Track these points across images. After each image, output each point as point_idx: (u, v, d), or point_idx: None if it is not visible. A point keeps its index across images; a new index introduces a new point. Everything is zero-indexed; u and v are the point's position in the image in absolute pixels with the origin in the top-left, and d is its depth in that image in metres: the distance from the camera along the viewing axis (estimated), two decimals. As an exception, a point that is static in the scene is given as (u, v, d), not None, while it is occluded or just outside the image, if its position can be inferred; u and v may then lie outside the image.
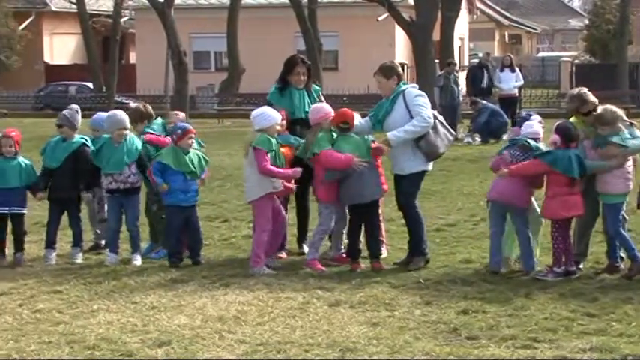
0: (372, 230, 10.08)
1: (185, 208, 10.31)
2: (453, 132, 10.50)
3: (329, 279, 9.53)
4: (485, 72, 26.36)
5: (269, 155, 9.88)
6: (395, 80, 10.09)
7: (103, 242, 11.08)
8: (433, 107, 10.56)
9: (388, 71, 10.13)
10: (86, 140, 10.75)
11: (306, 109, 10.54)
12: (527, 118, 10.10)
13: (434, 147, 10.00)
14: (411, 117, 9.90)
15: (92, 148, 10.61)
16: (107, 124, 10.59)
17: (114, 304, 8.70)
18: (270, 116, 10.02)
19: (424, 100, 10.03)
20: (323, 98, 10.87)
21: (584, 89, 10.05)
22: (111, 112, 10.81)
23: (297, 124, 10.52)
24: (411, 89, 10.10)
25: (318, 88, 10.96)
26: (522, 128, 9.94)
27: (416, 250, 10.11)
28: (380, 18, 41.43)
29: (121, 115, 10.57)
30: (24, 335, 7.72)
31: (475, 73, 26.31)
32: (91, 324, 8.04)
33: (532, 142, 9.72)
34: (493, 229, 9.83)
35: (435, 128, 10.01)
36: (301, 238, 10.95)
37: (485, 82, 26.18)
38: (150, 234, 11.04)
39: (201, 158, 10.46)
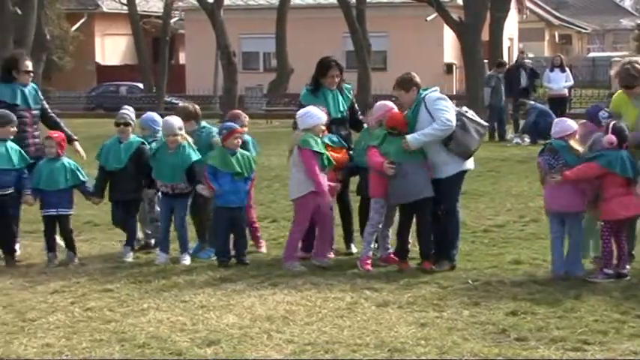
0: (422, 230, 10.05)
1: (233, 209, 10.37)
2: (485, 123, 10.39)
3: (377, 279, 9.53)
4: (523, 72, 26.16)
5: (317, 156, 9.93)
6: (414, 91, 10.05)
7: (153, 242, 11.18)
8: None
9: (407, 84, 10.10)
10: (144, 139, 10.86)
11: (341, 108, 10.69)
12: (597, 112, 9.92)
13: (464, 146, 9.94)
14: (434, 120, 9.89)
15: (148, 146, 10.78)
16: (162, 129, 10.69)
17: (163, 302, 8.77)
18: (316, 116, 10.06)
19: (445, 104, 9.96)
20: (352, 96, 10.92)
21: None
22: (165, 118, 10.85)
23: (332, 124, 10.58)
24: (431, 94, 10.02)
25: (348, 86, 11.00)
26: (553, 128, 9.82)
27: (445, 253, 10.03)
28: (429, 18, 41.32)
29: (171, 120, 10.61)
30: (75, 333, 7.80)
31: (513, 74, 26.07)
32: (141, 322, 8.11)
33: (557, 143, 9.61)
34: (554, 234, 9.74)
35: (463, 127, 9.92)
36: (348, 237, 10.97)
37: (524, 82, 25.98)
38: (197, 233, 11.10)
39: (250, 159, 10.48)
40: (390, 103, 10.30)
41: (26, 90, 11.06)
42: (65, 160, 10.64)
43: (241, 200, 10.41)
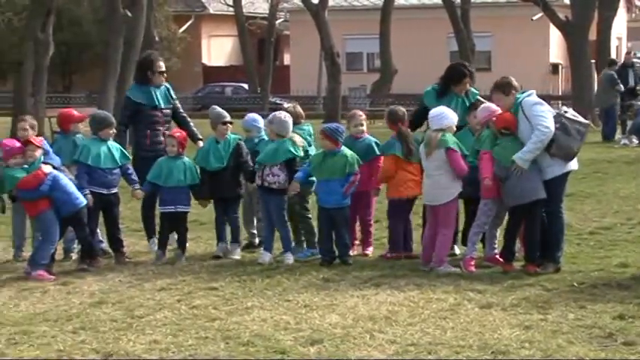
0: (529, 232, 9.94)
1: (330, 209, 10.43)
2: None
3: (480, 281, 9.47)
4: (630, 72, 25.62)
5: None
6: (513, 95, 9.94)
7: (257, 241, 11.30)
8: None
9: (506, 87, 9.99)
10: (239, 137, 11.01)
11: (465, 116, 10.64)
12: None
13: (567, 148, 9.80)
14: (532, 127, 9.74)
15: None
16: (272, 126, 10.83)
17: (267, 301, 8.85)
18: (450, 116, 10.07)
19: (541, 109, 9.81)
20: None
21: None
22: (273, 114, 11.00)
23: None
24: (527, 99, 9.88)
25: (475, 92, 10.88)
26: None
27: (550, 255, 9.91)
28: (534, 18, 40.82)
29: (279, 113, 10.76)
30: (181, 330, 7.94)
31: (620, 74, 25.53)
32: (245, 321, 8.21)
33: None
34: None
35: (563, 129, 9.77)
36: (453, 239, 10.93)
37: (632, 83, 25.44)
38: (294, 234, 11.13)
39: (352, 158, 10.49)
40: (494, 105, 10.21)
41: (159, 90, 11.32)
42: (185, 158, 10.83)
43: (337, 201, 10.43)
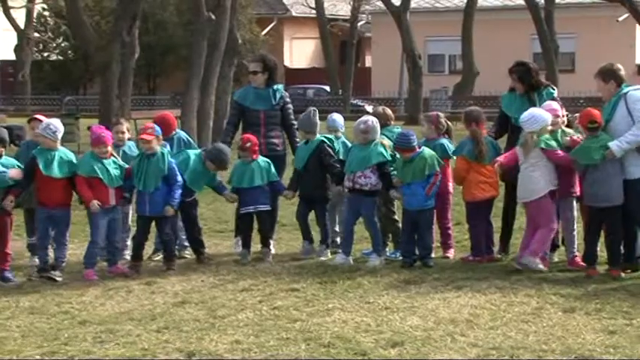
0: (611, 236, 9.82)
1: (411, 211, 10.43)
2: None
3: (563, 285, 9.37)
4: None
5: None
6: (613, 84, 9.81)
7: (339, 240, 11.35)
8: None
9: (606, 74, 9.89)
10: (325, 138, 11.03)
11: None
12: None
13: None
14: (634, 121, 9.61)
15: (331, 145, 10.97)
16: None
17: (348, 303, 8.87)
18: (540, 118, 10.03)
19: None
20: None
21: None
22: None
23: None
24: (633, 92, 9.76)
25: (552, 91, 10.77)
26: None
27: (635, 260, 9.84)
28: (620, 18, 40.25)
29: (360, 122, 10.73)
30: (263, 331, 8.00)
31: None
32: (326, 322, 8.24)
33: None
34: None
35: None
36: None
37: None
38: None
39: (432, 158, 10.47)
40: (554, 104, 10.24)
41: (259, 92, 11.38)
42: (261, 159, 10.93)
43: (420, 203, 10.40)
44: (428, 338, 7.71)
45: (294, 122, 11.54)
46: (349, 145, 11.07)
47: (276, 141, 11.37)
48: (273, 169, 10.95)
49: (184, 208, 10.76)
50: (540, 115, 10.01)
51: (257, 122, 11.33)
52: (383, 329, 7.99)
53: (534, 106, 10.36)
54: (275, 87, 11.46)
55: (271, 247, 11.05)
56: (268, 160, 11.00)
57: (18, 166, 10.10)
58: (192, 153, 10.90)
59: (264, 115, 11.35)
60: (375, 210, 10.71)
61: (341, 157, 10.97)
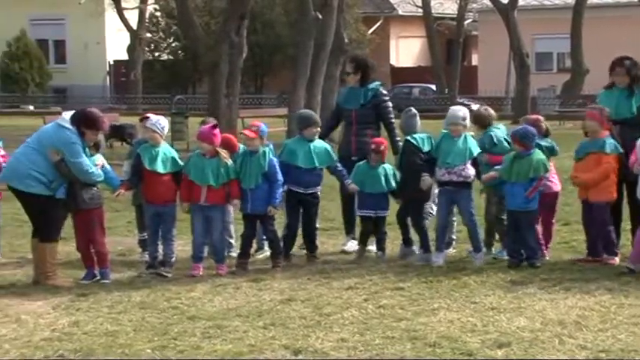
0: None
1: (513, 211, 10.36)
2: None
3: (676, 288, 9.19)
4: None
5: None
6: None
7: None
8: None
9: None
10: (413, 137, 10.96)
11: (633, 109, 10.47)
12: None
13: None
14: None
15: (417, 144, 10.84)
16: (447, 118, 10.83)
17: (454, 303, 8.84)
18: None
19: None
20: None
21: None
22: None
23: (616, 124, 10.45)
24: None
25: None
26: None
27: None
28: None
29: (457, 110, 10.77)
30: (369, 329, 8.01)
31: None
32: (431, 322, 8.22)
33: None
34: None
35: None
36: None
37: None
38: (484, 235, 11.02)
39: (538, 162, 10.33)
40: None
41: (355, 90, 11.56)
42: (387, 165, 10.98)
43: (520, 204, 10.28)
44: (535, 340, 7.63)
45: (393, 120, 11.58)
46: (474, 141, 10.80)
47: (368, 140, 11.35)
48: (396, 178, 10.94)
49: (304, 205, 10.81)
50: None
51: (349, 121, 11.55)
52: (489, 330, 7.94)
53: (634, 99, 10.28)
54: (370, 86, 11.53)
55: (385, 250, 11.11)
56: (393, 167, 11.03)
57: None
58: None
59: (355, 114, 11.48)
60: (470, 205, 10.64)
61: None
